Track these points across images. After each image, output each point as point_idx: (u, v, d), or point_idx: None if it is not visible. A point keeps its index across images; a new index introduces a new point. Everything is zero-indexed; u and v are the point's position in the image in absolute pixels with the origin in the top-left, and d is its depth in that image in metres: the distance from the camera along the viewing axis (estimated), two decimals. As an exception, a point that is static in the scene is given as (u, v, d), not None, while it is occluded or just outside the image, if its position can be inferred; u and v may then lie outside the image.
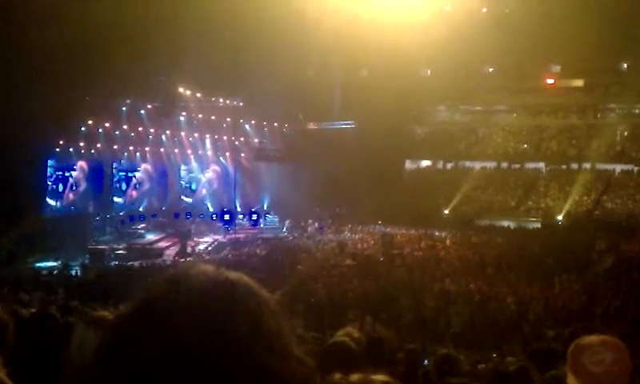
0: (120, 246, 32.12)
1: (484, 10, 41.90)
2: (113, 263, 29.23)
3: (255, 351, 0.79)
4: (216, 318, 0.79)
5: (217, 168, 43.77)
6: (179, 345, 0.76)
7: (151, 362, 0.75)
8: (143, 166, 39.72)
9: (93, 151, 36.52)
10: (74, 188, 36.02)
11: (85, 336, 2.83)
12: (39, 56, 25.88)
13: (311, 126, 48.78)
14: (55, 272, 26.15)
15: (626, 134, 44.37)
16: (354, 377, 1.39)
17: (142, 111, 38.48)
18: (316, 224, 38.11)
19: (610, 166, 42.11)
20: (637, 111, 45.46)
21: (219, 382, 0.76)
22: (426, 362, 6.55)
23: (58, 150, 34.85)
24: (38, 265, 28.12)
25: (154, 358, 0.76)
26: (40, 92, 25.63)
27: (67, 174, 35.97)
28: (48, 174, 34.86)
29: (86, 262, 29.15)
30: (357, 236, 34.87)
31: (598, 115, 46.65)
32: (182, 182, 42.14)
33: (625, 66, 43.98)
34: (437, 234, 34.00)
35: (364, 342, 3.82)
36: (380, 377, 1.43)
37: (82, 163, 36.22)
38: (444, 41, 36.70)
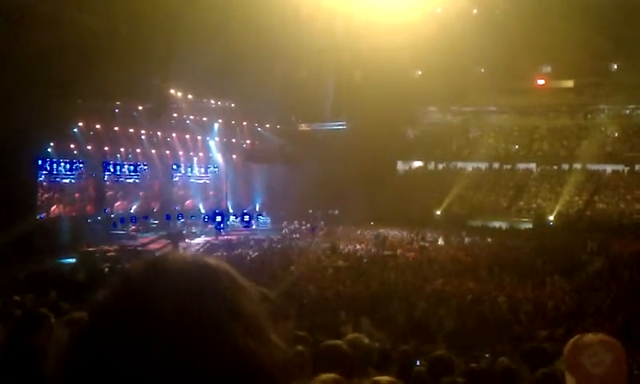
0: (112, 248, 31.98)
1: (475, 11, 41.99)
2: (104, 265, 29.10)
3: (233, 334, 0.79)
4: (194, 300, 0.79)
5: (209, 169, 43.68)
6: (157, 327, 0.76)
7: (130, 343, 0.75)
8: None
9: (84, 153, 36.36)
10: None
11: (62, 336, 2.82)
12: (30, 58, 25.75)
13: (303, 127, 48.78)
14: (47, 274, 25.99)
15: (616, 134, 44.63)
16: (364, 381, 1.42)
17: (134, 113, 38.37)
18: (308, 225, 38.09)
19: (600, 167, 42.34)
20: (627, 112, 45.73)
21: (198, 363, 0.76)
22: (417, 362, 6.58)
23: (49, 151, 34.67)
24: (30, 267, 27.94)
25: (132, 340, 0.76)
26: (31, 94, 25.52)
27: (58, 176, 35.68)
28: (39, 175, 34.60)
29: (78, 263, 29.00)
30: (349, 237, 34.88)
31: (589, 116, 46.89)
32: (173, 183, 42.01)
33: (615, 67, 44.23)
34: (429, 234, 34.09)
35: (373, 348, 3.84)
36: (385, 378, 1.45)
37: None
38: (435, 42, 36.79)
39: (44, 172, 34.28)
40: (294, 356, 3.48)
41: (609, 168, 42.40)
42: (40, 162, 33.63)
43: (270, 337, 0.85)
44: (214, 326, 0.79)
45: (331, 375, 2.87)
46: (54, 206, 34.80)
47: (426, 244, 31.52)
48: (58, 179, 35.18)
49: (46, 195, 34.31)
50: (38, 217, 32.66)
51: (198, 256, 0.89)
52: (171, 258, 0.86)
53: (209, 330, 0.78)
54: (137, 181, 39.55)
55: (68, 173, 35.62)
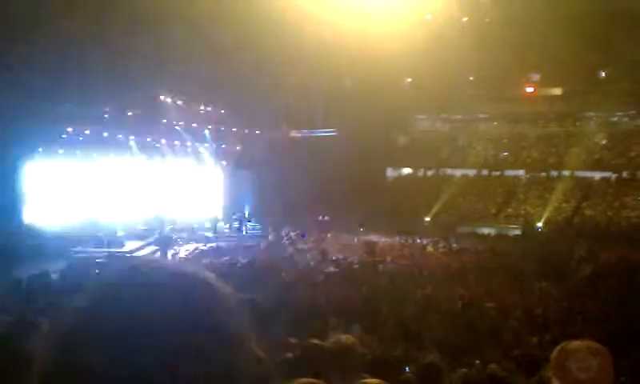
0: (100, 254, 31.78)
1: (464, 19, 42.24)
2: (93, 271, 28.88)
3: (210, 347, 0.78)
4: (170, 311, 0.78)
5: (198, 175, 43.53)
6: (131, 338, 0.75)
7: (102, 353, 0.75)
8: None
9: (73, 158, 36.19)
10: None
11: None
12: (17, 62, 25.65)
13: (294, 133, 48.78)
14: (35, 280, 25.79)
15: (604, 141, 44.90)
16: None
17: (123, 118, 38.20)
18: (298, 231, 38.03)
19: (588, 174, 42.56)
20: (615, 119, 46.02)
21: (172, 376, 0.75)
22: (407, 369, 6.58)
23: (37, 157, 34.47)
24: (17, 273, 27.72)
25: (105, 350, 0.75)
26: (18, 100, 25.40)
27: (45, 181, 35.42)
28: (27, 181, 34.35)
29: (66, 270, 28.79)
30: (339, 243, 34.85)
31: (577, 123, 47.17)
32: (162, 189, 41.79)
33: (603, 74, 44.53)
34: (418, 241, 34.14)
35: (365, 351, 3.86)
36: (374, 381, 1.46)
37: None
38: (425, 50, 36.97)
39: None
40: (281, 364, 3.49)
41: (597, 175, 42.64)
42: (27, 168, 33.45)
43: (248, 347, 0.84)
44: (190, 337, 0.78)
45: (310, 379, 2.87)
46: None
47: (416, 250, 31.55)
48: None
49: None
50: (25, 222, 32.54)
51: (177, 264, 0.88)
52: (149, 267, 0.85)
53: (184, 341, 0.77)
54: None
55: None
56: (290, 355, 4.04)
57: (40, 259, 28.43)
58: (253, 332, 0.87)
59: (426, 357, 7.31)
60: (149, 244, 35.05)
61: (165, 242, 33.42)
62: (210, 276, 0.88)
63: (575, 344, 2.28)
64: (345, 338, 4.12)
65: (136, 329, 0.76)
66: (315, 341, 4.08)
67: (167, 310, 0.79)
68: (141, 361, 0.74)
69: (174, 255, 32.70)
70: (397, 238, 34.55)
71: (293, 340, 5.47)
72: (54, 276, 26.98)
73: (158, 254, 32.30)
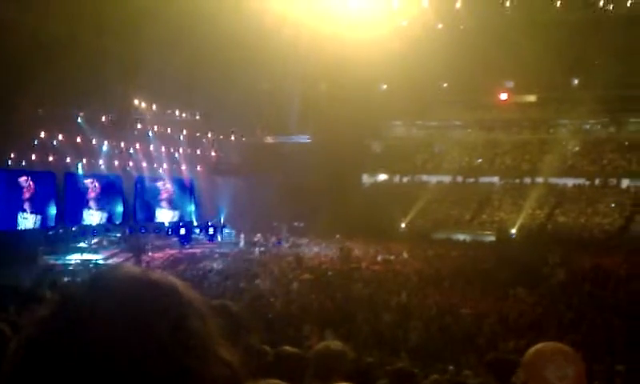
0: (72, 261, 31.45)
1: (439, 26, 42.56)
2: (65, 279, 28.56)
3: (176, 353, 0.77)
4: (136, 318, 0.77)
5: (172, 182, 43.25)
6: (97, 345, 0.74)
7: (68, 362, 0.73)
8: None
9: (46, 163, 35.73)
10: (26, 202, 34.99)
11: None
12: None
13: (268, 139, 48.76)
14: (5, 289, 25.42)
15: (577, 148, 45.45)
16: None
17: (97, 123, 37.90)
18: (273, 238, 37.94)
19: (561, 181, 43.04)
20: (587, 127, 46.62)
21: (139, 383, 0.74)
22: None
23: (10, 163, 34.02)
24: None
25: (70, 359, 0.73)
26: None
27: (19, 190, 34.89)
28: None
29: (38, 278, 28.44)
30: (314, 250, 34.82)
31: (550, 130, 47.69)
32: (136, 195, 41.45)
33: (576, 82, 45.11)
34: (394, 247, 34.21)
35: (343, 355, 3.79)
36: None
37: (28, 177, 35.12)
38: (400, 56, 37.16)
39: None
40: (252, 371, 3.40)
41: (570, 182, 43.15)
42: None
43: (218, 354, 0.82)
44: (157, 346, 0.76)
45: (276, 381, 2.83)
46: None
47: (391, 257, 31.60)
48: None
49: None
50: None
51: (145, 271, 0.85)
52: (115, 274, 0.83)
53: (150, 350, 0.76)
54: (99, 193, 38.83)
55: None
56: (261, 362, 3.95)
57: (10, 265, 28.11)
58: (224, 337, 0.85)
59: (399, 363, 7.28)
60: (122, 251, 34.76)
61: (138, 249, 33.17)
62: (179, 282, 0.86)
63: (548, 349, 2.24)
64: (333, 344, 4.07)
65: (100, 336, 0.74)
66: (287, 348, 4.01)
67: (135, 317, 0.77)
68: (105, 369, 0.73)
69: (147, 262, 32.44)
70: (372, 245, 34.55)
71: (266, 347, 5.38)
72: (26, 283, 26.74)
73: (131, 260, 32.03)
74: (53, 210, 35.30)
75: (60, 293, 0.81)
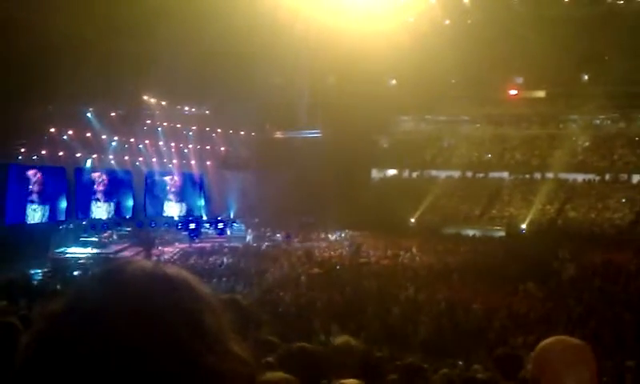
0: (83, 256, 31.60)
1: (447, 21, 42.40)
2: (76, 272, 28.70)
3: (193, 350, 0.76)
4: (152, 315, 0.76)
5: (182, 176, 43.36)
6: (113, 344, 0.73)
7: (81, 358, 0.72)
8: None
9: (56, 159, 35.89)
10: (34, 194, 35.14)
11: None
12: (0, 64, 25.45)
13: (278, 134, 48.78)
14: (16, 282, 25.59)
15: (587, 144, 45.18)
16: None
17: (107, 119, 38.02)
18: (283, 232, 37.99)
19: (571, 176, 42.81)
20: (597, 122, 46.37)
21: (156, 382, 0.73)
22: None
23: (20, 158, 34.17)
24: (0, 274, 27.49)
25: (84, 354, 0.72)
26: (1, 100, 25.20)
27: (28, 183, 35.05)
28: (9, 182, 34.01)
29: (49, 271, 28.61)
30: (324, 245, 34.85)
31: (560, 126, 47.45)
32: (146, 190, 41.60)
33: (585, 77, 44.86)
34: (403, 242, 34.18)
35: (358, 351, 3.82)
36: (352, 381, 1.43)
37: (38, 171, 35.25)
38: (409, 51, 37.03)
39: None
40: (262, 367, 3.44)
41: (580, 177, 42.91)
42: (10, 168, 33.10)
43: (231, 349, 0.82)
44: (172, 340, 0.75)
45: (283, 375, 2.85)
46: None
47: (400, 251, 31.59)
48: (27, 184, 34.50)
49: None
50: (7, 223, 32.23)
51: (158, 265, 0.85)
52: (128, 268, 0.82)
53: (166, 345, 0.75)
54: (107, 186, 38.99)
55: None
56: (270, 360, 3.97)
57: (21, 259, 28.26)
58: (235, 332, 0.85)
59: (409, 358, 7.30)
60: (132, 245, 34.92)
61: (148, 243, 33.31)
62: (191, 277, 0.86)
63: (560, 342, 2.24)
64: (347, 339, 4.10)
65: (114, 331, 0.73)
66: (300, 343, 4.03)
67: (149, 312, 0.76)
68: (119, 365, 0.72)
69: (156, 256, 32.57)
70: (381, 239, 34.53)
71: (274, 339, 5.42)
72: (37, 277, 26.93)
73: (142, 254, 32.17)
74: (63, 204, 35.56)
75: (72, 287, 0.81)
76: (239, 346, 0.84)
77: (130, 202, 39.73)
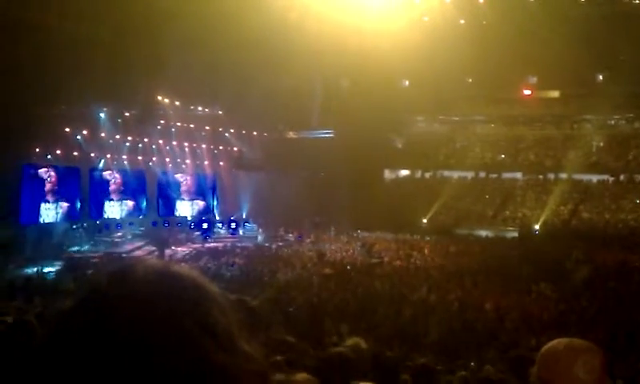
0: (96, 255, 31.79)
1: (462, 21, 42.27)
2: (89, 271, 28.86)
3: (203, 347, 0.77)
4: (162, 313, 0.77)
5: (195, 177, 43.51)
6: (123, 341, 0.73)
7: (95, 357, 0.73)
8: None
9: (70, 158, 36.14)
10: (48, 194, 35.37)
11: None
12: (15, 65, 25.62)
13: (291, 134, 48.85)
14: (32, 281, 25.79)
15: (601, 144, 44.96)
16: None
17: (120, 119, 38.26)
18: (295, 233, 38.04)
19: (586, 177, 42.59)
20: (612, 122, 46.11)
21: (166, 379, 0.73)
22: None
23: (35, 158, 34.43)
24: (14, 273, 27.70)
25: (98, 354, 0.73)
26: (16, 101, 25.39)
27: (43, 183, 35.30)
28: (23, 182, 34.29)
29: (63, 270, 28.79)
30: (336, 245, 34.85)
31: (574, 126, 47.24)
32: (159, 190, 41.78)
33: (600, 77, 44.60)
34: (416, 242, 34.13)
35: (368, 353, 3.84)
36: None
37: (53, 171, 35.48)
38: (422, 51, 36.96)
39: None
40: (272, 366, 3.46)
41: (594, 178, 42.70)
42: (24, 168, 33.35)
43: (241, 347, 0.82)
44: (182, 338, 0.76)
45: (307, 375, 2.87)
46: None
47: (413, 252, 31.53)
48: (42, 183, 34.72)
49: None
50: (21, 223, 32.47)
51: (169, 264, 0.86)
52: (140, 267, 0.83)
53: (176, 342, 0.75)
54: (120, 185, 39.19)
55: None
56: (278, 358, 3.98)
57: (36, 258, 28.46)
58: (244, 331, 0.85)
59: (421, 359, 7.29)
60: (145, 244, 35.09)
61: (162, 243, 33.45)
62: (201, 276, 0.86)
63: (565, 344, 2.23)
64: (358, 341, 4.11)
65: (127, 330, 0.74)
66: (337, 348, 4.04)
67: (161, 311, 0.77)
68: (132, 364, 0.72)
69: (169, 256, 32.70)
70: (394, 240, 34.49)
71: (291, 339, 5.43)
72: (50, 276, 27.09)
73: (155, 254, 32.31)
74: (77, 204, 35.79)
75: (86, 285, 0.82)
76: (249, 344, 0.84)
77: (143, 202, 39.89)
